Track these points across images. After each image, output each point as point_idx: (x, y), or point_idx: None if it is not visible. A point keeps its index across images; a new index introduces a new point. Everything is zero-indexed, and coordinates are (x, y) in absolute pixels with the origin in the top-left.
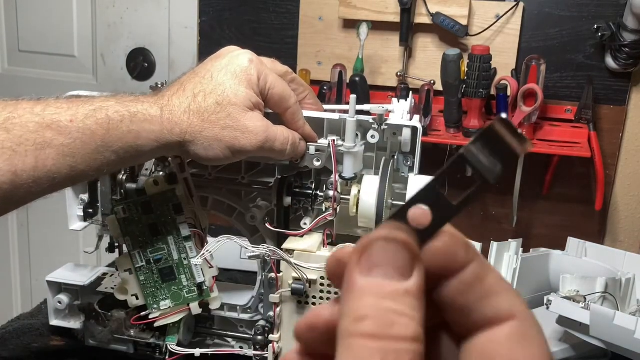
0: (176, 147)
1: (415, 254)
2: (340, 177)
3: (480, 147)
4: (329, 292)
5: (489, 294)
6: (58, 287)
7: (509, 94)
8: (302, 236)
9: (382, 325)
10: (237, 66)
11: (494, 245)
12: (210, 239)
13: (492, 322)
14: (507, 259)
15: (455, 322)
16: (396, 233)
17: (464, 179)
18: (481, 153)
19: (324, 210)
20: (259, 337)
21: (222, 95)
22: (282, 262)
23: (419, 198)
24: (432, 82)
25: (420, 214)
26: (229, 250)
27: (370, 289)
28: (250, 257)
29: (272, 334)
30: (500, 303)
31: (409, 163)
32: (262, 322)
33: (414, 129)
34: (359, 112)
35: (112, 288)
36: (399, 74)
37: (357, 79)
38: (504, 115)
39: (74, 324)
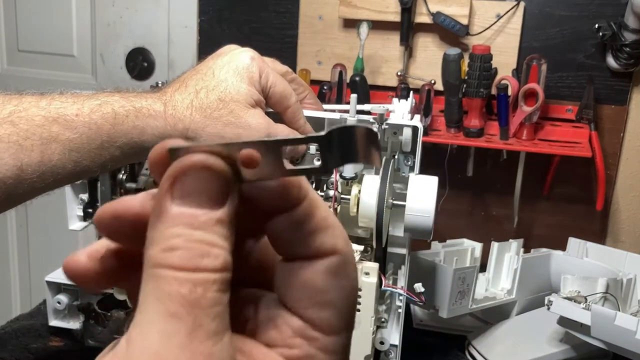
0: None
1: (229, 182)
2: (341, 176)
3: (338, 136)
4: None
5: (316, 231)
6: (57, 287)
7: (509, 93)
8: None
9: (193, 257)
10: (239, 63)
11: (495, 246)
12: None
13: (315, 256)
14: (508, 259)
15: (280, 251)
16: (212, 160)
17: (464, 179)
18: (337, 142)
19: None
20: None
21: (224, 92)
22: None
23: (259, 144)
24: (433, 81)
25: (252, 156)
26: None
27: (182, 219)
28: None
29: None
30: (325, 240)
31: (409, 163)
32: None
33: (415, 129)
34: (359, 112)
35: (112, 288)
36: (399, 73)
37: (357, 78)
38: (374, 128)
39: (73, 324)
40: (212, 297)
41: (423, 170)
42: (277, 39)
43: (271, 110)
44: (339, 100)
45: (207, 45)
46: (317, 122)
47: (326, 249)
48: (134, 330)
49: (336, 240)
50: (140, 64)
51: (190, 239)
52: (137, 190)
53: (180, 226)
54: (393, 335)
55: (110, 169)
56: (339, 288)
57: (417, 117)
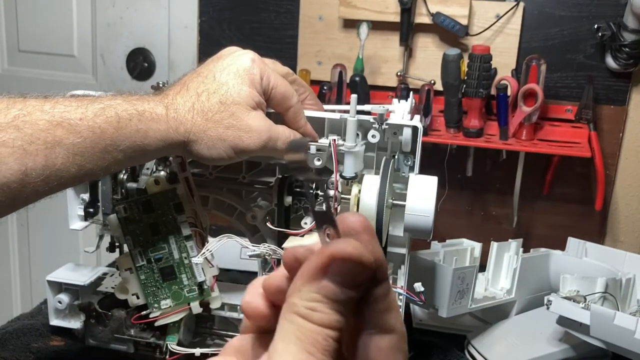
0: (180, 147)
1: (370, 277)
2: (341, 176)
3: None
4: None
5: (388, 309)
6: (58, 287)
7: (509, 93)
8: (302, 235)
9: (328, 320)
10: (239, 66)
11: (494, 246)
12: (210, 239)
13: (380, 331)
14: (507, 259)
15: (362, 325)
16: (366, 256)
17: (464, 179)
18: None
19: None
20: None
21: (225, 95)
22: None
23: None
24: (432, 82)
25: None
26: (229, 250)
27: (327, 290)
28: (250, 257)
29: None
30: (390, 319)
31: (409, 163)
32: None
33: (415, 129)
34: (359, 112)
35: (112, 288)
36: (399, 73)
37: (357, 78)
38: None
39: (74, 323)
40: (333, 346)
41: (423, 170)
42: (277, 39)
43: (272, 110)
44: (339, 101)
45: (208, 46)
46: (317, 123)
47: (389, 326)
48: (275, 354)
49: (396, 321)
50: (140, 65)
51: (328, 307)
52: (138, 190)
53: (324, 295)
54: None
55: (113, 171)
56: (393, 358)
57: (417, 117)
